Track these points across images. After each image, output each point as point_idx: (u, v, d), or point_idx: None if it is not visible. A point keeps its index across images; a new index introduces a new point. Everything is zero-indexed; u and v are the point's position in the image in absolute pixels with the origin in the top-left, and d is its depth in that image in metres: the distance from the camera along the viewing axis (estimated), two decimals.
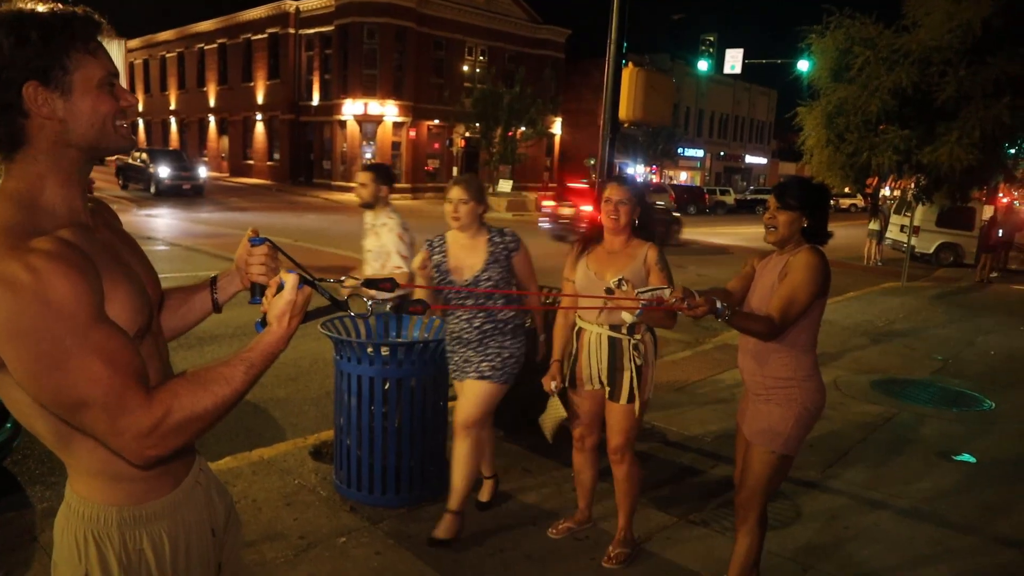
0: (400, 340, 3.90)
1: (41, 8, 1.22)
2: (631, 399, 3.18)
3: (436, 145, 36.60)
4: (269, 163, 38.84)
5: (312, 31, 35.67)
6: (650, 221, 3.30)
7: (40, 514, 3.56)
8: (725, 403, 5.63)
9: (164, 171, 25.89)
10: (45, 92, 1.20)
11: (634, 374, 3.17)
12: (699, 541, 3.56)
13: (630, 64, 5.11)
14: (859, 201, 44.15)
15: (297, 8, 36.10)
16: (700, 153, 52.31)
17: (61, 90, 1.21)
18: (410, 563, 3.24)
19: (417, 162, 35.72)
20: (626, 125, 5.15)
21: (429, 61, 34.98)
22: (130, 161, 27.56)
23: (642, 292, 2.67)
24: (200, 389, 1.23)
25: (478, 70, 35.29)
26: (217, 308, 1.65)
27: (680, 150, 47.39)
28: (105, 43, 1.31)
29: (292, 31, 36.59)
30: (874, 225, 17.31)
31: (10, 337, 1.12)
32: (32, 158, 1.24)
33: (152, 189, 25.80)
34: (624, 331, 3.17)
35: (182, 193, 25.84)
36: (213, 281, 1.63)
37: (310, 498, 3.79)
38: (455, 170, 34.73)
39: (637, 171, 45.75)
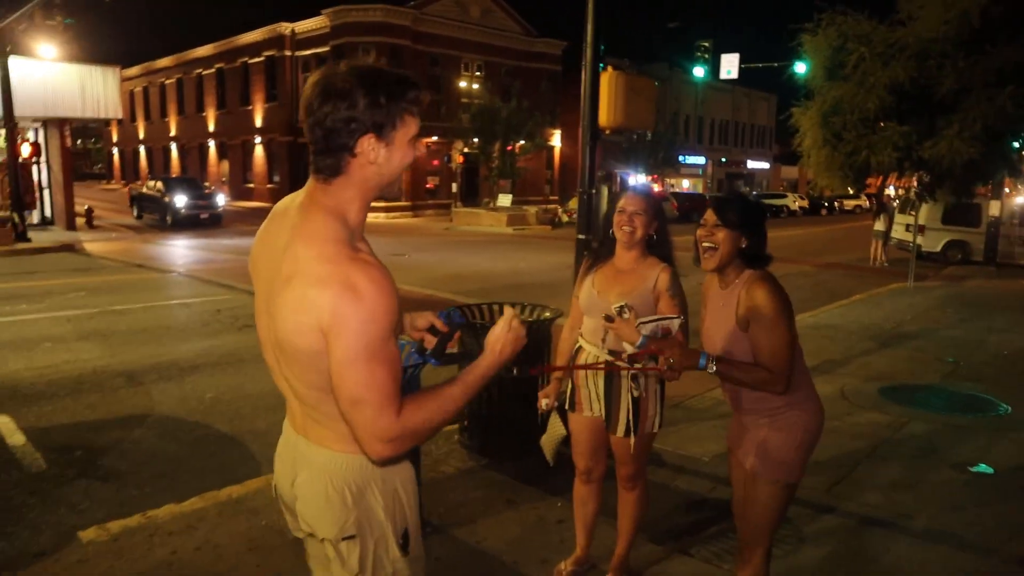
0: None
1: (390, 72, 1.50)
2: (627, 432, 2.93)
3: (435, 162, 36.49)
4: (269, 185, 38.82)
5: (308, 52, 35.73)
6: (666, 238, 3.00)
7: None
8: (724, 419, 5.32)
9: (180, 200, 24.40)
10: (376, 142, 1.49)
11: (631, 406, 2.91)
12: None
13: (608, 68, 4.89)
14: (863, 202, 43.84)
15: (293, 30, 36.21)
16: (701, 160, 52.09)
17: (387, 142, 1.50)
18: None
19: (417, 179, 35.61)
20: (607, 132, 4.91)
21: (425, 78, 34.91)
22: (144, 191, 26.52)
23: (644, 322, 2.47)
24: (433, 404, 1.50)
25: (475, 86, 35.25)
26: None
27: (681, 158, 47.16)
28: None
29: (288, 53, 36.69)
30: (879, 225, 16.99)
31: (341, 331, 1.40)
32: (343, 186, 1.52)
33: (168, 219, 24.22)
34: (624, 358, 2.90)
35: (199, 223, 24.43)
36: None
37: (276, 541, 3.52)
38: (454, 186, 34.62)
39: (638, 179, 45.56)
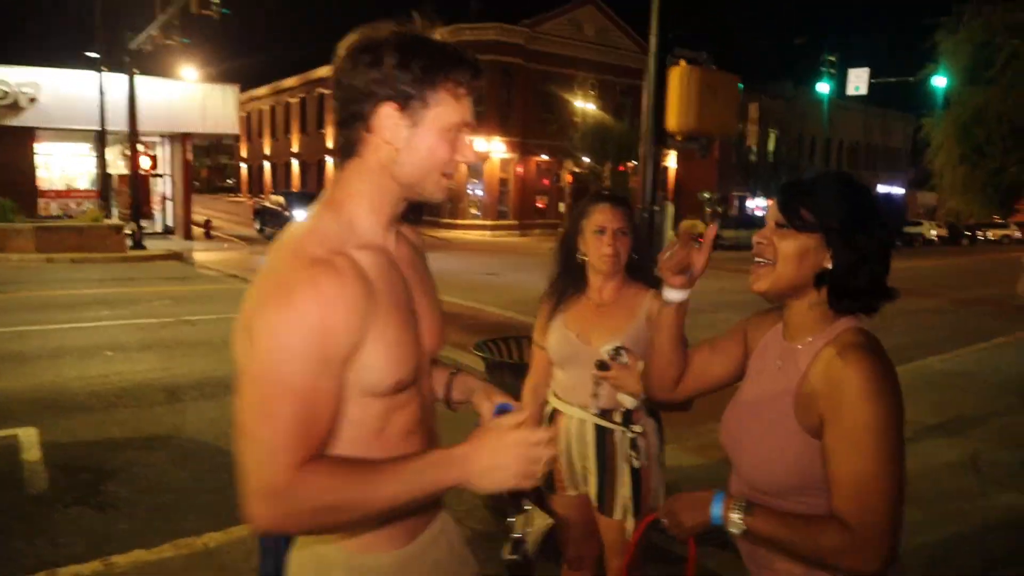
0: None
1: (435, 38, 1.21)
2: (628, 514, 2.25)
3: (546, 181, 36.13)
4: None
5: None
6: (646, 256, 2.31)
7: None
8: None
9: (300, 214, 25.01)
10: (397, 117, 1.19)
11: (629, 480, 2.23)
12: None
13: (681, 62, 4.09)
14: (1012, 232, 39.84)
15: None
16: None
17: (412, 120, 1.19)
18: None
19: (525, 198, 35.35)
20: (678, 137, 4.11)
21: (537, 96, 34.73)
22: (267, 204, 27.48)
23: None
24: (351, 479, 1.08)
25: (589, 105, 34.66)
26: (448, 403, 1.52)
27: None
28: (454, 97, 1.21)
29: None
30: None
31: (256, 339, 1.08)
32: (356, 172, 1.23)
33: None
34: (618, 419, 2.22)
35: None
36: (455, 372, 1.54)
37: None
38: (562, 206, 34.07)
39: (757, 204, 43.46)
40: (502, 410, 1.43)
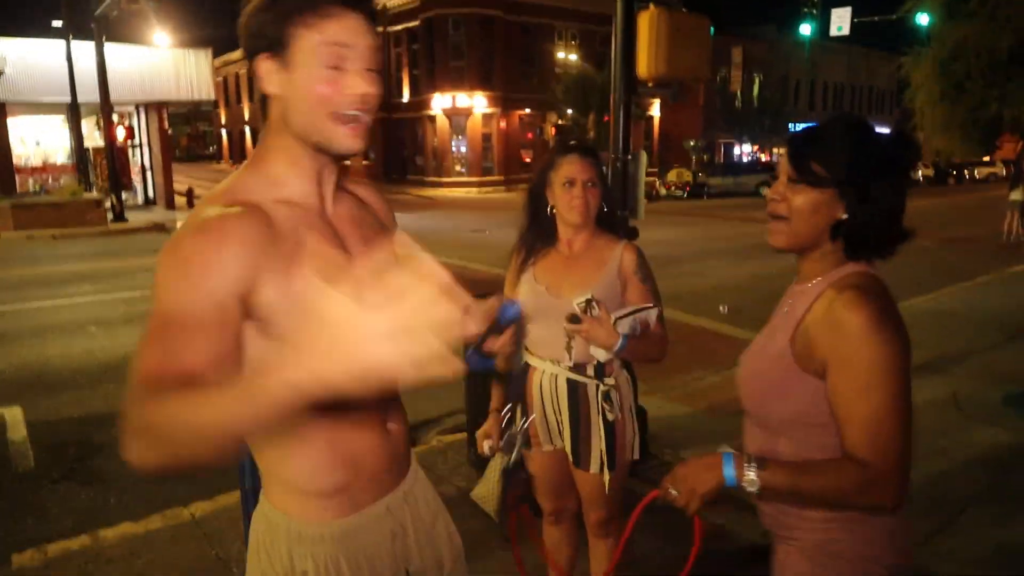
0: None
1: None
2: (603, 467, 2.23)
3: (530, 135, 35.75)
4: (365, 163, 39.19)
5: (400, 27, 35.61)
6: (614, 206, 2.33)
7: None
8: None
9: None
10: (271, 65, 1.14)
11: (603, 433, 2.22)
12: None
13: (651, 5, 4.00)
14: (999, 170, 39.82)
15: (384, 5, 36.15)
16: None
17: (283, 65, 1.13)
18: None
19: (509, 153, 35.01)
20: (649, 84, 4.04)
21: (517, 48, 34.14)
22: None
23: (619, 317, 2.01)
24: (191, 402, 0.90)
25: (572, 56, 34.09)
26: None
27: (790, 126, 44.39)
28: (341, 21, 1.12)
29: (380, 29, 36.61)
30: (1016, 195, 14.89)
31: (154, 281, 1.07)
32: (269, 131, 1.21)
33: None
34: (591, 372, 2.21)
35: None
36: None
37: None
38: None
39: (743, 150, 43.24)
40: (507, 309, 1.36)
